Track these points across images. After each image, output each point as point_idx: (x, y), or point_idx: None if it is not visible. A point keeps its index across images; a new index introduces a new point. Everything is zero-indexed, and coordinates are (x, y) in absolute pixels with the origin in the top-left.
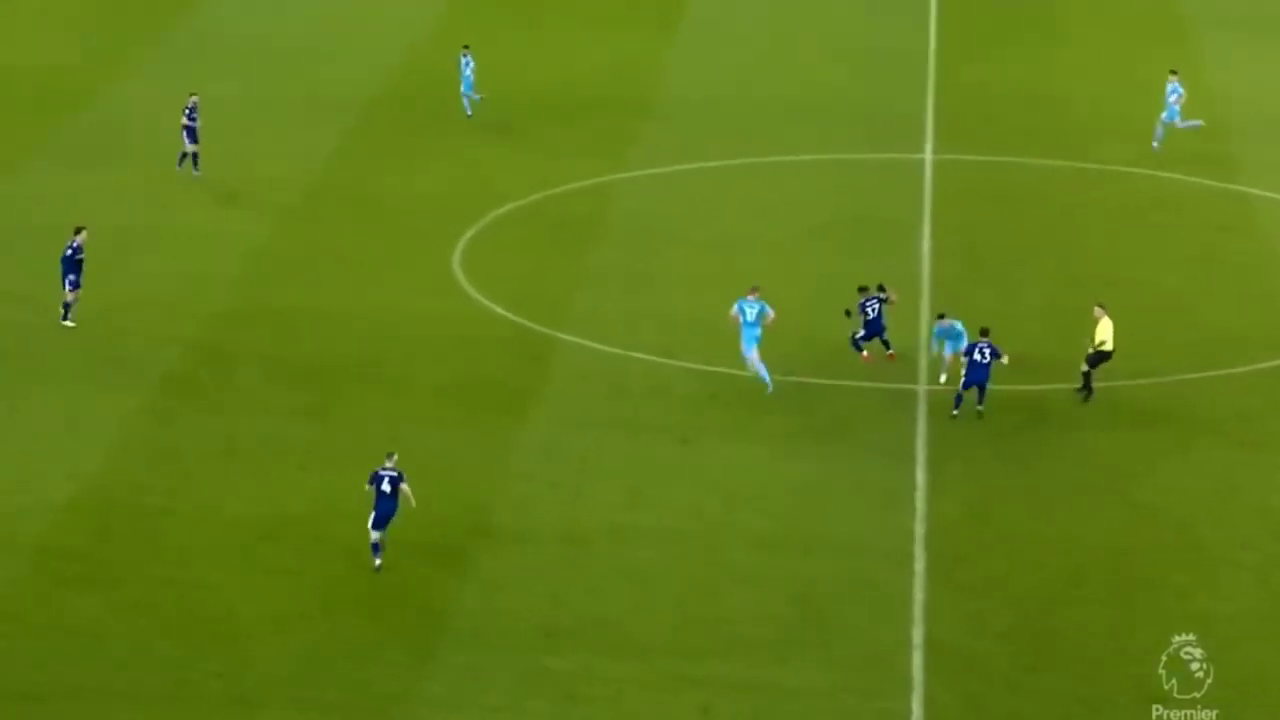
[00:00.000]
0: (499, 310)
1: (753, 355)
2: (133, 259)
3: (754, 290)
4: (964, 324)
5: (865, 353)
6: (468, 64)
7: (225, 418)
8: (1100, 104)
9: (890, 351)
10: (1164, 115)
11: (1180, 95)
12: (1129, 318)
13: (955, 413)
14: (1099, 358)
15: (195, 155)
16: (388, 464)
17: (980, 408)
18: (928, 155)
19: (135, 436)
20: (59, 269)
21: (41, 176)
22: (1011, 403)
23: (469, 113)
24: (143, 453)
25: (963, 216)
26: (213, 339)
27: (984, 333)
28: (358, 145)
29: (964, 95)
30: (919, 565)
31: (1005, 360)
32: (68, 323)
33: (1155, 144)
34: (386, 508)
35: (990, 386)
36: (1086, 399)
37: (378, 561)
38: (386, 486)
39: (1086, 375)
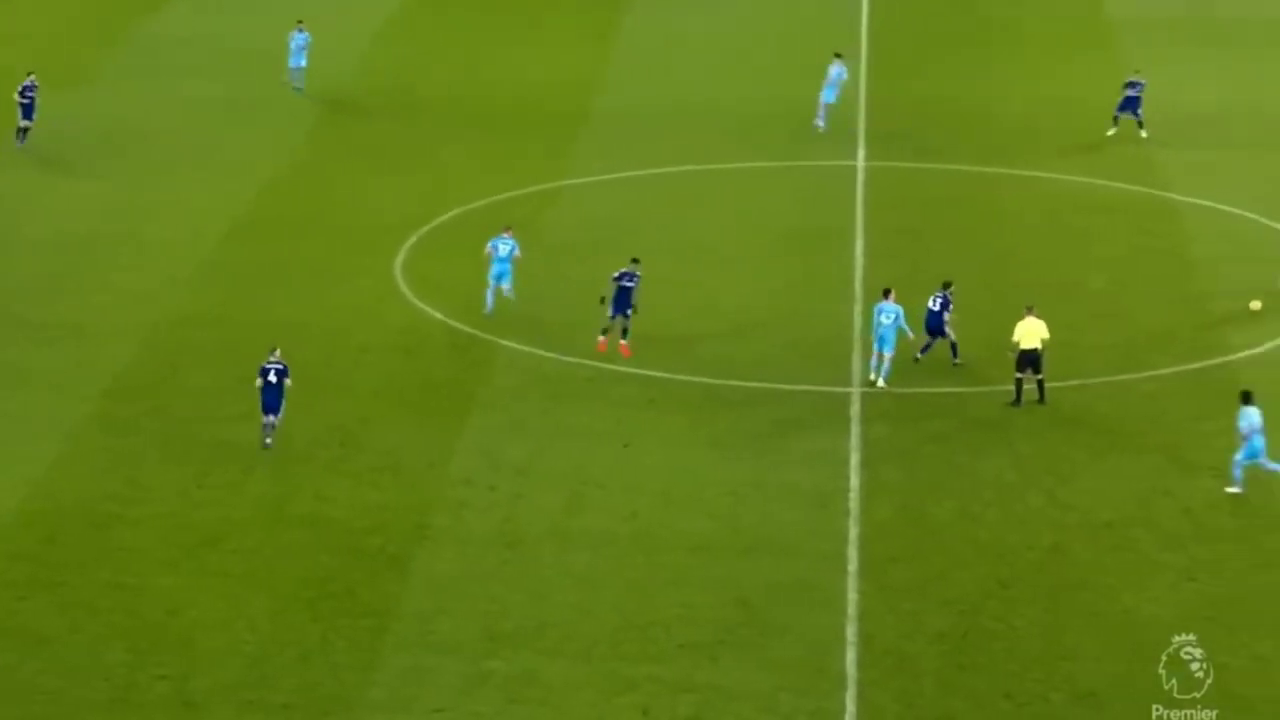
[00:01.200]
0: (439, 316)
1: (506, 285)
2: (84, 266)
3: (508, 229)
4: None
5: (602, 339)
6: (300, 38)
7: (173, 423)
8: (1027, 111)
9: (615, 340)
10: (826, 95)
11: (843, 78)
12: (1055, 321)
13: (918, 357)
14: (1019, 358)
15: (26, 130)
16: (271, 358)
17: (919, 356)
18: (860, 162)
19: (84, 441)
20: None
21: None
22: (942, 406)
23: (296, 85)
24: (91, 458)
25: (894, 221)
26: (162, 345)
27: (945, 285)
28: (308, 150)
29: (894, 103)
30: (852, 566)
31: (949, 318)
32: None
33: (819, 123)
34: (271, 397)
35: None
36: (1040, 400)
37: (268, 440)
38: (273, 378)
39: (1018, 381)
